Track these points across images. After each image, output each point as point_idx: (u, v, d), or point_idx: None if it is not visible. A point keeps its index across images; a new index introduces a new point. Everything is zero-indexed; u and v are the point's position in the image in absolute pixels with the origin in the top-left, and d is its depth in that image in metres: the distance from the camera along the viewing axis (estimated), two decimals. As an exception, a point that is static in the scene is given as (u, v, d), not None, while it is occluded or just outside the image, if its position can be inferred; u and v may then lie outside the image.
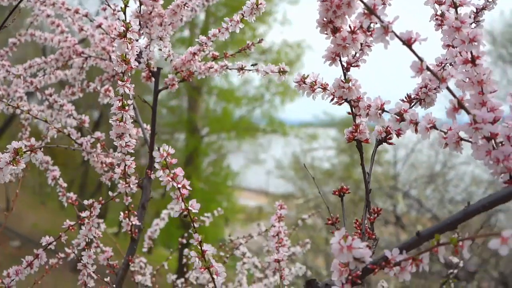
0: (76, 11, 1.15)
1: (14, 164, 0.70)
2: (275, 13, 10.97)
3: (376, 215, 0.66)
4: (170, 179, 0.65)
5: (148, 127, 1.18)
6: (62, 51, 1.25)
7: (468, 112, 0.53)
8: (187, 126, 11.14)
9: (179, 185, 0.65)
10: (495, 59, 9.57)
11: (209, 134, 11.94)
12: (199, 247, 0.68)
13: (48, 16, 1.24)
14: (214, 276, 0.68)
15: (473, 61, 0.56)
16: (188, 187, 0.66)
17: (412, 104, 0.72)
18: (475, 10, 0.76)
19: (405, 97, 0.72)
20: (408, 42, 0.53)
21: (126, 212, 0.99)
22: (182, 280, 1.42)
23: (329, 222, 0.68)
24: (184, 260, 1.36)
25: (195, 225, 0.67)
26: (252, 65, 0.98)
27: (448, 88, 0.54)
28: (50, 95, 1.17)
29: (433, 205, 7.00)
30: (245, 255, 1.40)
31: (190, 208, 0.66)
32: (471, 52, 0.56)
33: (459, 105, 0.53)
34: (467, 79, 0.57)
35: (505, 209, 6.72)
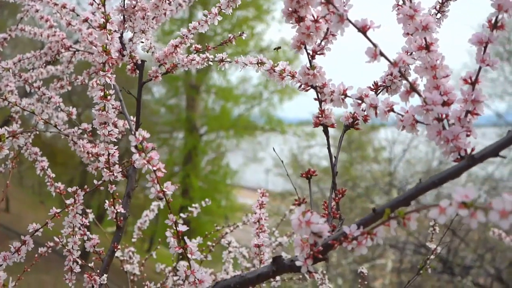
0: (63, 6, 1.18)
1: (-2, 150, 0.73)
2: (273, 11, 10.99)
3: (341, 195, 0.70)
4: (146, 162, 0.68)
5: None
6: (50, 45, 1.28)
7: (419, 95, 0.57)
8: (186, 124, 11.19)
9: (155, 168, 0.68)
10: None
11: (207, 133, 11.99)
12: (175, 228, 0.72)
13: (37, 11, 1.28)
14: (189, 255, 0.71)
15: (427, 47, 0.59)
16: (163, 170, 0.69)
17: (379, 91, 0.75)
18: (440, 1, 0.79)
19: (372, 84, 0.75)
20: (363, 29, 0.56)
21: (111, 200, 1.03)
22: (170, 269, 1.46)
23: (296, 203, 0.72)
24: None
25: (169, 205, 0.71)
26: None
27: (400, 72, 0.57)
28: (38, 88, 1.20)
29: (430, 201, 7.04)
30: (230, 244, 1.43)
31: (165, 190, 0.70)
32: (425, 39, 0.59)
33: (411, 88, 0.57)
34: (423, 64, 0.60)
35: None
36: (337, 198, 0.69)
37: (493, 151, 0.52)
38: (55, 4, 1.20)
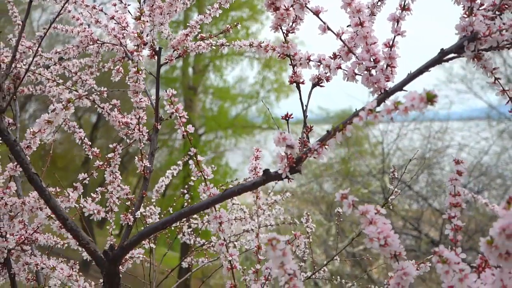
0: (93, 7, 1.48)
1: (66, 109, 1.02)
2: (267, 11, 11.23)
3: (310, 130, 1.00)
4: (174, 111, 0.98)
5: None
6: (81, 39, 1.57)
7: (354, 54, 0.87)
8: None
9: (180, 115, 0.98)
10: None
11: (206, 133, 12.28)
12: (195, 158, 1.01)
13: (69, 11, 1.57)
14: (205, 176, 1.01)
15: (361, 24, 0.89)
16: (186, 116, 0.99)
17: (337, 58, 1.05)
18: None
19: (332, 54, 1.05)
20: (316, 13, 0.86)
21: (140, 156, 1.32)
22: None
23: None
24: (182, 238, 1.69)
25: (191, 141, 1.00)
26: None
27: (342, 40, 0.87)
28: (75, 73, 1.50)
29: (422, 188, 7.37)
30: (232, 201, 1.73)
31: (188, 130, 0.99)
32: (359, 18, 0.89)
33: (349, 51, 0.87)
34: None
35: (489, 188, 7.08)
36: (306, 131, 0.99)
37: (400, 87, 0.82)
38: (87, 6, 1.49)
